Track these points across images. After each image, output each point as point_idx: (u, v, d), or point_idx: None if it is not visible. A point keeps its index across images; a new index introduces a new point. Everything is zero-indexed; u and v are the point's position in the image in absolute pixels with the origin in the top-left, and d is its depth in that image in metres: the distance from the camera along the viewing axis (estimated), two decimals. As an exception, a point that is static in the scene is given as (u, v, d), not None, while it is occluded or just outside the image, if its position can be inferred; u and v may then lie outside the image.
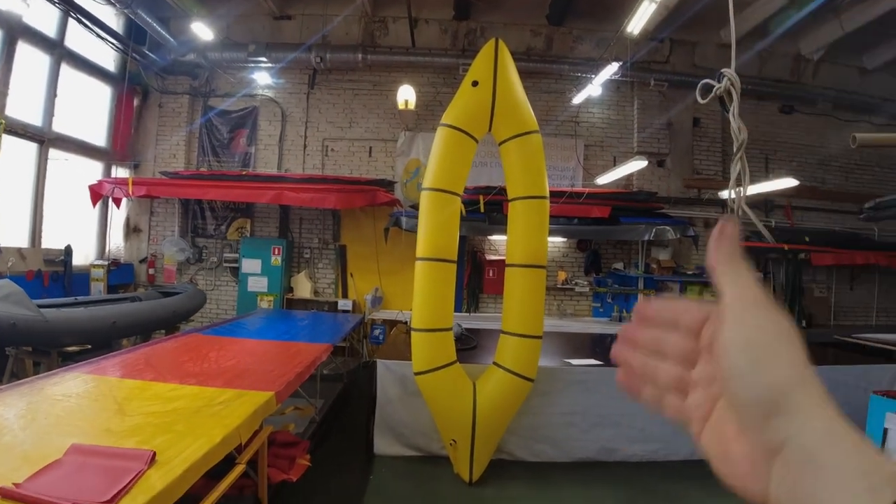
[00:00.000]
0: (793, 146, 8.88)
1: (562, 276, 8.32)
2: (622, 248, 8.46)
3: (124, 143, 8.16)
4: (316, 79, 8.49)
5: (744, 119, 1.10)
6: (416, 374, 3.93)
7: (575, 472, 4.26)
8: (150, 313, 5.76)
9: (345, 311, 7.71)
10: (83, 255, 7.47)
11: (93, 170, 7.73)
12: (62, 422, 2.01)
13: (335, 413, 5.16)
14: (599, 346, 5.99)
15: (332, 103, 8.52)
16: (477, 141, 4.08)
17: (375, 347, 7.11)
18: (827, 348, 6.28)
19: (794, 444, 0.34)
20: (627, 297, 8.10)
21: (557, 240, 8.20)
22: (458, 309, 6.64)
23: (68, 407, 2.20)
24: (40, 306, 4.27)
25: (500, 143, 4.13)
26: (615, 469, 4.39)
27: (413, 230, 6.30)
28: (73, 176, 7.22)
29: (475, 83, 3.98)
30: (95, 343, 5.00)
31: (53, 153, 6.77)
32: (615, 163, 8.16)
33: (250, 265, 7.97)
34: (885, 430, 3.46)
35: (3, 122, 5.72)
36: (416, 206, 6.52)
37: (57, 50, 6.69)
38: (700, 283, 8.00)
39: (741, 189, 1.04)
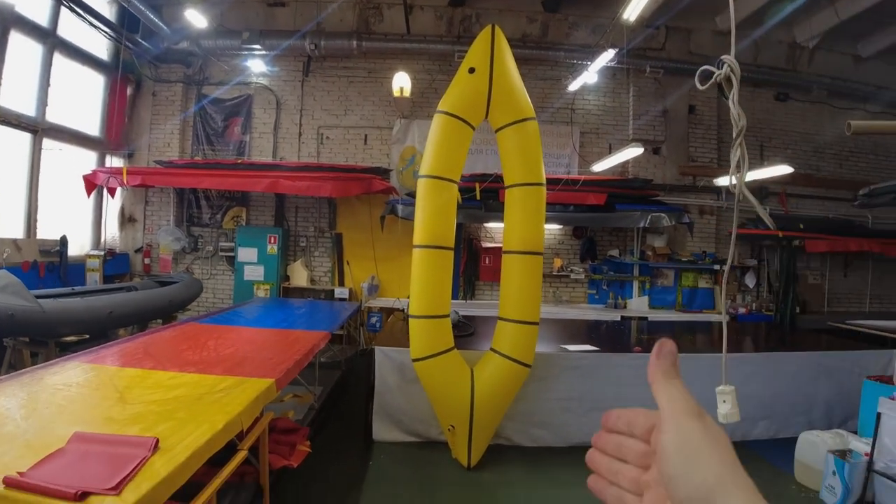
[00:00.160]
0: (788, 133, 8.90)
1: (557, 263, 8.36)
2: (618, 235, 8.49)
3: (118, 133, 8.09)
4: (310, 66, 8.42)
5: (740, 106, 1.11)
6: (415, 360, 3.96)
7: (571, 457, 4.29)
8: (147, 303, 5.76)
9: (341, 300, 7.72)
10: (79, 246, 7.43)
11: (87, 159, 7.64)
12: (64, 411, 2.01)
13: (334, 400, 5.19)
14: (595, 333, 6.05)
15: (327, 91, 8.46)
16: (474, 128, 4.07)
17: (372, 335, 7.14)
18: (821, 335, 6.36)
19: None
20: (623, 284, 8.15)
21: (553, 227, 8.21)
22: (454, 296, 6.65)
23: (69, 396, 2.20)
24: (37, 297, 4.27)
25: (496, 130, 4.12)
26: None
27: (409, 218, 6.31)
28: (68, 166, 7.14)
29: (472, 70, 3.96)
30: (93, 333, 5.02)
31: (47, 143, 6.70)
32: (611, 150, 8.16)
33: (246, 254, 7.94)
34: (879, 415, 3.51)
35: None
36: (412, 194, 6.51)
37: (50, 39, 6.60)
38: (695, 269, 8.06)
39: (741, 174, 1.05)
